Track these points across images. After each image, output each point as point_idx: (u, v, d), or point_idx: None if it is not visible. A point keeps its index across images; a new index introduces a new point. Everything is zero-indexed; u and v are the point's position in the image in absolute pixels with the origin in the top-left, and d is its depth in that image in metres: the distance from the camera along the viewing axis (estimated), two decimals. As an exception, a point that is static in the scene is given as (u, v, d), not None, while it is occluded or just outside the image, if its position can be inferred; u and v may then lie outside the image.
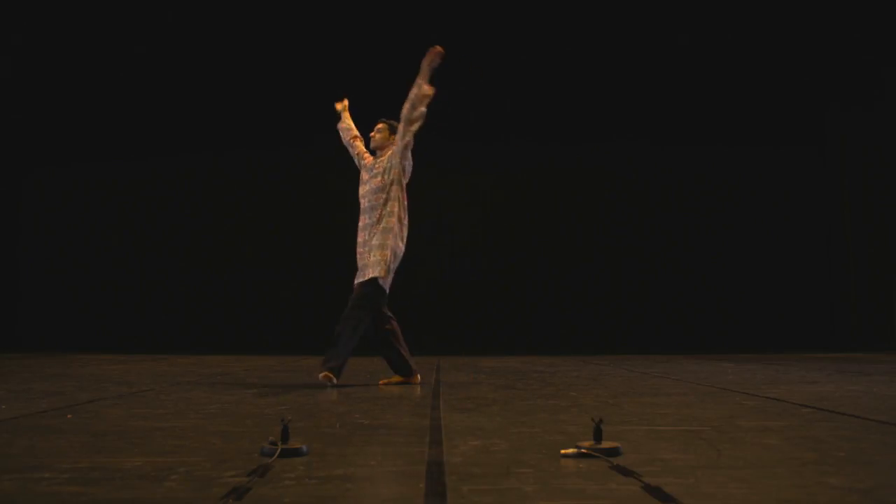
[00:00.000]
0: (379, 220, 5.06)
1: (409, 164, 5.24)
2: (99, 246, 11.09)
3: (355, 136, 5.52)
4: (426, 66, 5.05)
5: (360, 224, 5.15)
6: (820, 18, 10.17)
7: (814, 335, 10.43)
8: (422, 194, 11.04)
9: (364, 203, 5.18)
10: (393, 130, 5.26)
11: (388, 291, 5.09)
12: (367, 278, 5.02)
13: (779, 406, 3.75)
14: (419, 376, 5.18)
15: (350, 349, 4.95)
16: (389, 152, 5.23)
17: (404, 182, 5.21)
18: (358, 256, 5.12)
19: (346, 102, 5.66)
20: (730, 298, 10.82)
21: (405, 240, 5.14)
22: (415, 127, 5.09)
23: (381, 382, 5.15)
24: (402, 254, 5.11)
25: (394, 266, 5.04)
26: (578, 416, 3.40)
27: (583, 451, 2.38)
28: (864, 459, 2.37)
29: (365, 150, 5.42)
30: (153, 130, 10.92)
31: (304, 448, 2.43)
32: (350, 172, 12.18)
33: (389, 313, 5.16)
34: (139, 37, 10.41)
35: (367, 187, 5.20)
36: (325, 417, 3.41)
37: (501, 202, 11.11)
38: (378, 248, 5.00)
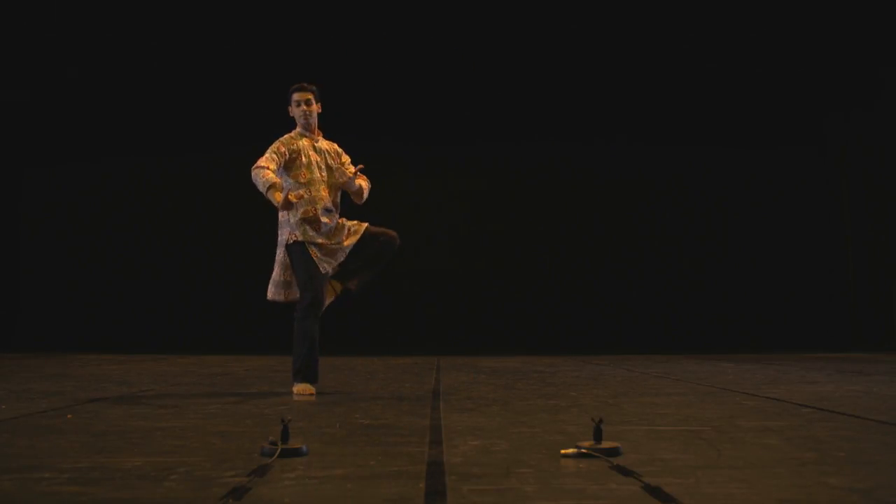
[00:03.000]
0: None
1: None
2: (98, 246, 11.07)
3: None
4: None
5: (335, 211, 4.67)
6: (820, 18, 10.17)
7: (814, 335, 10.42)
8: (421, 194, 11.11)
9: (324, 194, 4.65)
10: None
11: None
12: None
13: (779, 406, 3.76)
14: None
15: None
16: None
17: None
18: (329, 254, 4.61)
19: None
20: (730, 298, 10.81)
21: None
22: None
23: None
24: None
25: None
26: (578, 416, 3.40)
27: (583, 451, 2.38)
28: (864, 459, 2.38)
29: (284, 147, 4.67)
30: (153, 129, 10.91)
31: (304, 448, 2.44)
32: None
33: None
34: (137, 36, 10.41)
35: (326, 174, 4.69)
36: (325, 417, 3.41)
37: (501, 202, 11.10)
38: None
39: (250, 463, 2.29)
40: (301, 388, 4.47)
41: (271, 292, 4.68)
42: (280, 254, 4.63)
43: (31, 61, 10.67)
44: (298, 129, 4.76)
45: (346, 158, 4.86)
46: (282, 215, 4.60)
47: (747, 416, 3.35)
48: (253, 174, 4.57)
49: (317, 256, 4.52)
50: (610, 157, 11.06)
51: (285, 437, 2.44)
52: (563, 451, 2.42)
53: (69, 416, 3.43)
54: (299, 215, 4.53)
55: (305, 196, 4.53)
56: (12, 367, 6.75)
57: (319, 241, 4.54)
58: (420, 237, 10.83)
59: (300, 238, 4.53)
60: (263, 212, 11.71)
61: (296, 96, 4.72)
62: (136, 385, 5.01)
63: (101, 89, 10.83)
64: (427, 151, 10.70)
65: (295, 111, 4.74)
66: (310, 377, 4.52)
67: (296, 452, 2.39)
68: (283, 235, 4.61)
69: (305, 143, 4.70)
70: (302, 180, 4.60)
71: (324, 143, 4.80)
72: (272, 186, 4.41)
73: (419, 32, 10.27)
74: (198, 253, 10.97)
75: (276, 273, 4.65)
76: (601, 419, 2.48)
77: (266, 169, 4.52)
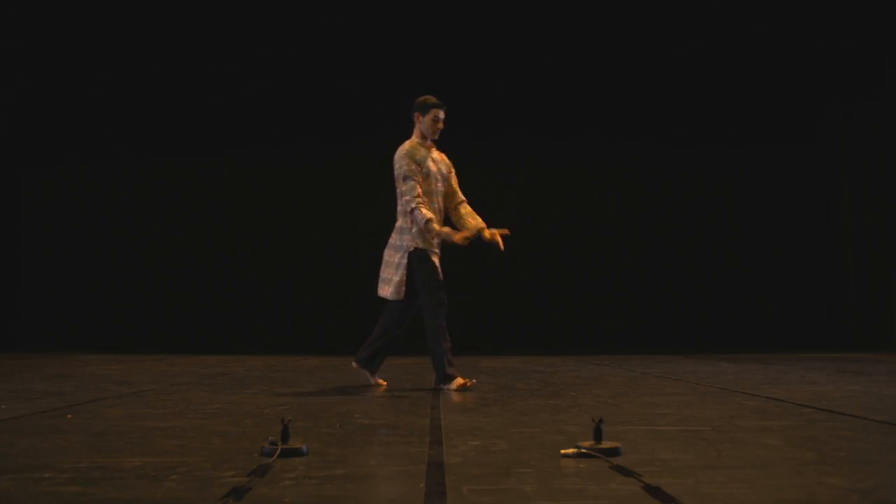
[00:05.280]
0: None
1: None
2: (98, 246, 11.07)
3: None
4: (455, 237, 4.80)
5: (440, 218, 4.90)
6: (820, 17, 10.16)
7: (814, 335, 10.42)
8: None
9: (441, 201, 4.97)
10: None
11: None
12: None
13: (779, 406, 3.76)
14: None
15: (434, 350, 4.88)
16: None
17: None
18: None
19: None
20: (730, 298, 10.80)
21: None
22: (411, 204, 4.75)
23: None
24: None
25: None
26: (578, 416, 3.40)
27: (583, 451, 2.38)
28: (864, 459, 2.38)
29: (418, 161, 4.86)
30: (152, 130, 10.91)
31: (304, 448, 2.44)
32: (349, 172, 12.12)
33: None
34: (137, 36, 10.42)
35: (441, 184, 5.00)
36: (325, 417, 3.41)
37: (501, 201, 11.08)
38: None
39: (250, 463, 2.29)
40: (458, 383, 4.67)
41: (386, 291, 4.87)
42: (397, 257, 4.84)
43: (30, 60, 10.68)
44: (417, 140, 4.95)
45: (453, 177, 5.12)
46: (403, 222, 4.83)
47: (747, 416, 3.35)
48: (413, 212, 4.73)
49: (436, 265, 4.83)
50: (609, 157, 11.05)
51: (285, 437, 2.44)
52: (563, 451, 2.42)
53: (69, 416, 3.43)
54: (429, 226, 4.72)
55: (433, 208, 4.82)
56: (13, 367, 6.75)
57: (437, 250, 4.87)
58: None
59: (421, 246, 4.78)
60: (263, 213, 11.73)
61: (437, 111, 4.92)
62: (136, 385, 5.01)
63: (102, 90, 10.83)
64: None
65: (430, 124, 4.93)
66: (450, 371, 4.75)
67: (296, 452, 2.40)
68: (404, 242, 4.82)
69: (425, 153, 4.91)
70: (423, 190, 4.82)
71: (436, 154, 5.03)
72: (429, 221, 4.68)
73: (424, 32, 10.26)
74: (198, 253, 10.97)
75: (388, 273, 4.86)
76: (601, 419, 2.48)
77: (422, 203, 4.73)
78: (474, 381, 4.77)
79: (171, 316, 10.73)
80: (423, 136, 4.94)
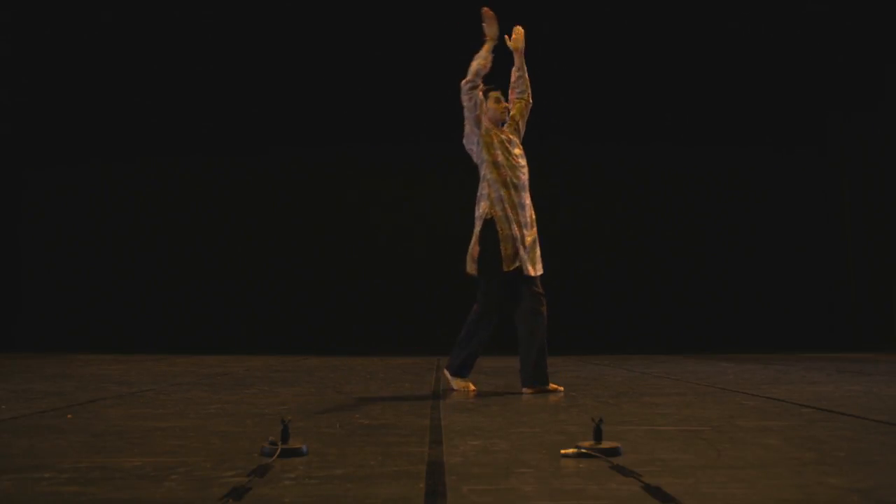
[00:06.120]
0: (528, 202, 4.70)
1: (471, 145, 4.77)
2: (99, 246, 11.07)
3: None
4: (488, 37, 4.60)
5: (518, 200, 4.64)
6: (822, 18, 10.17)
7: (814, 335, 10.42)
8: (421, 193, 11.11)
9: (521, 177, 4.71)
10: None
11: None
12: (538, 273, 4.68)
13: (779, 406, 3.76)
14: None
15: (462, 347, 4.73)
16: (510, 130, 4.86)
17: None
18: (522, 245, 4.58)
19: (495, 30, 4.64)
20: (730, 298, 10.80)
21: None
22: (464, 101, 4.62)
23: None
24: None
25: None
26: (578, 416, 3.40)
27: (583, 451, 2.38)
28: (864, 459, 2.38)
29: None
30: (153, 131, 10.91)
31: (304, 448, 2.44)
32: (348, 174, 12.09)
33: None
34: (138, 38, 10.42)
35: (522, 162, 4.74)
36: (325, 417, 3.41)
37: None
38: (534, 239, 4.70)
39: (250, 463, 2.29)
40: (462, 384, 4.60)
41: (471, 268, 4.69)
42: (476, 227, 4.65)
43: (30, 59, 10.68)
44: (490, 127, 4.77)
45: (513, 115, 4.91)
46: (480, 189, 4.69)
47: (747, 416, 3.35)
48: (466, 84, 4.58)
49: (506, 252, 4.54)
50: (609, 157, 11.05)
51: (285, 437, 2.44)
52: (563, 451, 2.42)
53: (69, 416, 3.43)
54: (492, 199, 4.59)
55: (494, 195, 4.62)
56: (12, 367, 6.75)
57: (513, 218, 4.56)
58: (421, 237, 10.85)
59: (500, 213, 4.56)
60: (264, 214, 11.69)
61: (491, 93, 4.79)
62: (136, 385, 5.01)
63: (102, 90, 10.83)
64: (428, 149, 10.70)
65: (493, 107, 4.76)
66: (464, 372, 4.66)
67: (296, 452, 2.40)
68: (480, 209, 4.67)
69: (499, 138, 4.74)
70: (500, 174, 4.66)
71: (507, 135, 4.83)
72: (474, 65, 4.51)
73: (430, 32, 10.27)
74: (198, 254, 10.97)
75: (473, 245, 4.65)
76: (601, 419, 2.48)
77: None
78: (475, 392, 4.60)
79: (171, 316, 10.73)
80: (495, 124, 4.79)
